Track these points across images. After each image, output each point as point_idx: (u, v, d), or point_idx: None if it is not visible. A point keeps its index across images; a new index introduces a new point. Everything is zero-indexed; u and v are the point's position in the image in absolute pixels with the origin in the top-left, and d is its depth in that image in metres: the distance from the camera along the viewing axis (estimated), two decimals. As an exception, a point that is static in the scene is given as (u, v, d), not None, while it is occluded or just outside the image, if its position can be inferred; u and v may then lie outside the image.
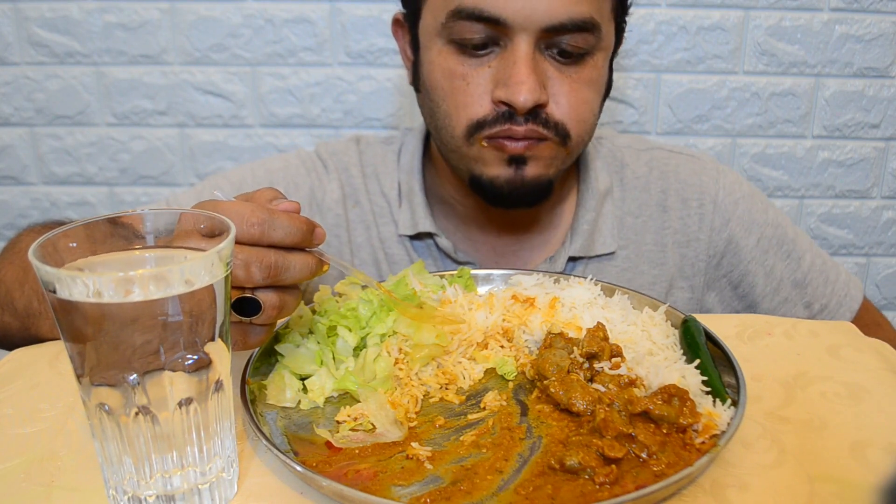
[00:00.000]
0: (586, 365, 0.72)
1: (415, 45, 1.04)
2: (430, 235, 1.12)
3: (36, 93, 1.57)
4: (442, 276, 0.90)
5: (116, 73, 1.56)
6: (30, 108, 1.58)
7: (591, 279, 0.88)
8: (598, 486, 0.59)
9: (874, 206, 1.69)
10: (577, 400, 0.68)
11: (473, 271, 0.93)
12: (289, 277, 0.67)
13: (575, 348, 0.74)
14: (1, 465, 0.64)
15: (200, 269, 0.53)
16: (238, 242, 0.64)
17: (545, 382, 0.71)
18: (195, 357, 0.55)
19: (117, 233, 0.89)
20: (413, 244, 1.14)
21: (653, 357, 0.74)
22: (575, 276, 0.91)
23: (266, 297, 0.67)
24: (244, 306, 0.66)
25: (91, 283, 0.50)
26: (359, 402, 0.71)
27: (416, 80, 1.05)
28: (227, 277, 0.56)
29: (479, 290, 0.91)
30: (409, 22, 1.05)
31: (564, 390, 0.69)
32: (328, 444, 0.66)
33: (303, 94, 1.58)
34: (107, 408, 0.54)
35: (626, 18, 1.04)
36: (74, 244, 0.57)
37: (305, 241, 0.68)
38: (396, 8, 1.52)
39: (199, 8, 1.52)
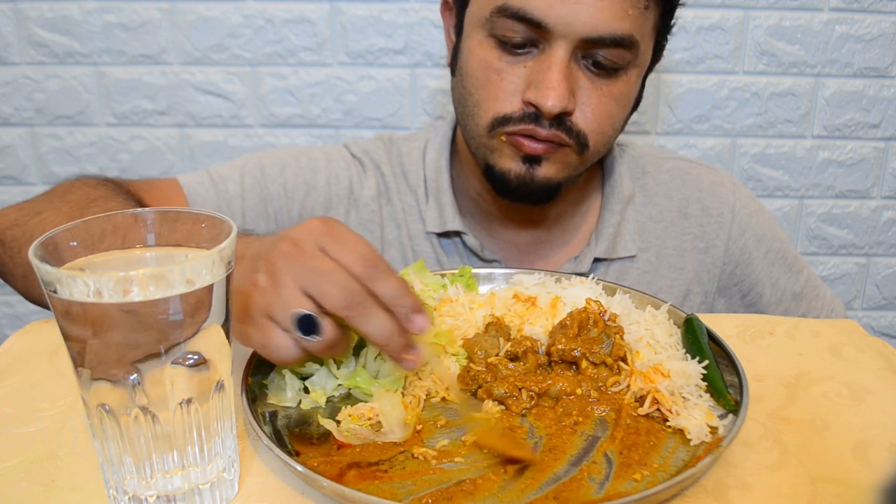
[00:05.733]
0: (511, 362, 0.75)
1: (459, 29, 1.06)
2: (457, 234, 1.13)
3: (36, 93, 1.57)
4: (443, 276, 0.90)
5: (116, 73, 1.56)
6: (30, 108, 1.58)
7: (593, 278, 0.88)
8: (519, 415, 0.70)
9: (874, 206, 1.69)
10: (497, 387, 0.71)
11: (475, 270, 0.93)
12: (363, 322, 0.64)
13: (501, 339, 0.77)
14: (1, 465, 0.64)
15: (201, 269, 0.53)
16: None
17: (469, 364, 0.75)
18: (196, 356, 0.54)
19: (114, 194, 0.88)
20: (441, 241, 1.16)
21: (656, 356, 0.74)
22: (576, 275, 0.91)
23: (329, 327, 0.64)
24: (305, 324, 0.63)
25: (91, 282, 0.50)
26: (360, 402, 0.71)
27: (454, 63, 1.07)
28: (228, 277, 0.56)
29: (480, 290, 0.91)
30: (457, 6, 1.07)
31: (491, 377, 0.73)
32: (333, 440, 0.66)
33: (303, 94, 1.58)
34: (107, 407, 0.53)
35: (668, 37, 1.04)
36: (75, 243, 0.56)
37: (403, 308, 0.65)
38: (396, 7, 1.53)
39: (199, 8, 1.52)
